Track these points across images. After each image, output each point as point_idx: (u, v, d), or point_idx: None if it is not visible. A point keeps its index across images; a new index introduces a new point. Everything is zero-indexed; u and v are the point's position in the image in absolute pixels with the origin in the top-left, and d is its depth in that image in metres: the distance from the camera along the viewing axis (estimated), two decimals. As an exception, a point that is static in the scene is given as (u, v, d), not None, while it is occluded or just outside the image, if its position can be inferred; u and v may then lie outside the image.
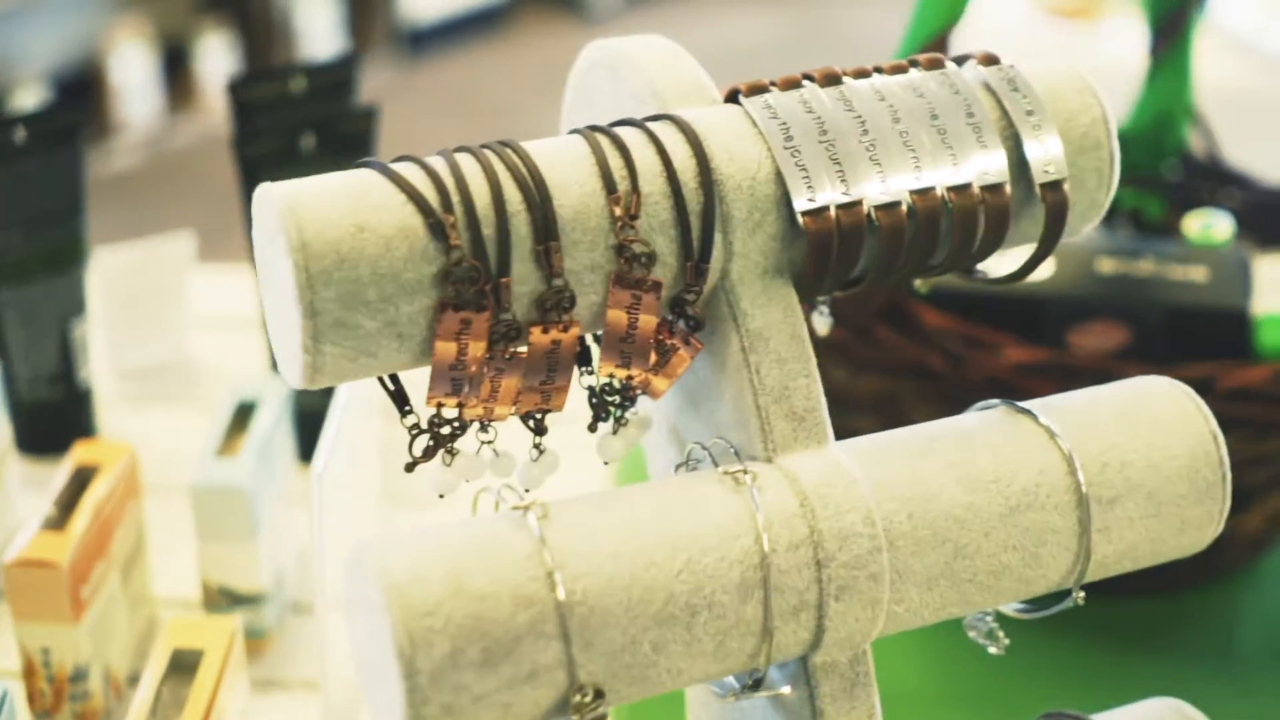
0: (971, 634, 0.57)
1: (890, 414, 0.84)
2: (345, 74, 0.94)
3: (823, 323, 0.61)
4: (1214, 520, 0.56)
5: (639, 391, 0.53)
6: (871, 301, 0.81)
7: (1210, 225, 0.87)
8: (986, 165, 0.54)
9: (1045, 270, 0.83)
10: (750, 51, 2.95)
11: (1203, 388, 0.78)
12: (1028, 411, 0.55)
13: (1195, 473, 0.55)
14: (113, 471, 0.78)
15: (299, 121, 0.89)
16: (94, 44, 2.76)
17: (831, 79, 0.54)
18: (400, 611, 0.46)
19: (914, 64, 0.56)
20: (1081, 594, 0.54)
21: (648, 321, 0.51)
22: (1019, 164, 0.55)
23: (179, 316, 1.04)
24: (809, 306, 0.61)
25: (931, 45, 0.78)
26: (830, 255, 0.52)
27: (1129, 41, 2.00)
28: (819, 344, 0.84)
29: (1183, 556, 0.57)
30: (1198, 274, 0.81)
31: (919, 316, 0.81)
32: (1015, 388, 0.79)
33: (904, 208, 0.53)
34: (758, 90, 0.54)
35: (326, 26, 2.94)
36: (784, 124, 0.53)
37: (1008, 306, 0.82)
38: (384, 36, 3.03)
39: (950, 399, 0.82)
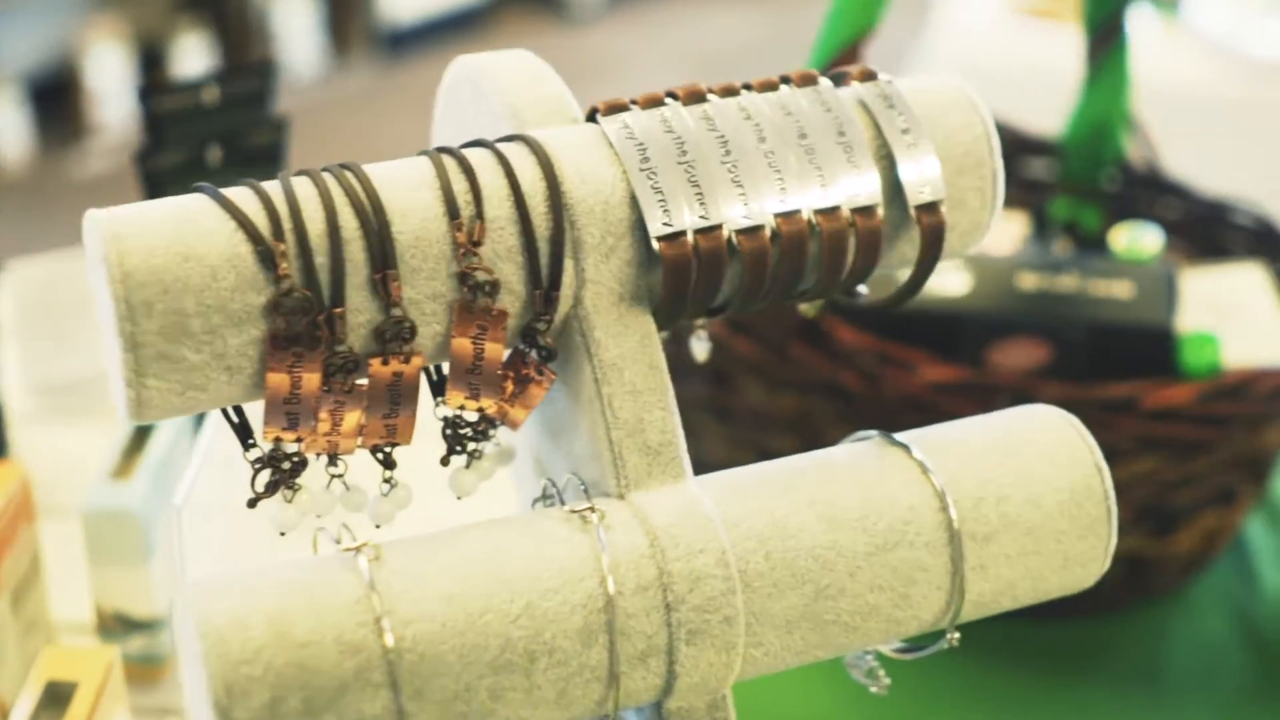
0: (853, 673, 0.55)
1: (807, 433, 0.82)
2: (261, 84, 0.92)
3: (701, 348, 0.58)
4: (1099, 557, 0.53)
5: (498, 422, 0.51)
6: (786, 319, 0.79)
7: (1138, 239, 0.84)
8: (857, 187, 0.51)
9: (964, 286, 0.80)
10: (732, 52, 2.92)
11: (1125, 407, 0.76)
12: (902, 444, 0.52)
13: (1078, 507, 0.52)
14: (2, 494, 0.75)
15: (208, 133, 0.87)
16: (69, 45, 2.74)
17: (696, 97, 0.52)
18: (217, 659, 0.44)
19: (786, 80, 0.54)
20: (956, 635, 0.52)
21: (494, 351, 0.49)
22: (893, 185, 0.52)
23: (97, 330, 1.02)
24: (688, 331, 0.59)
25: (843, 55, 0.75)
26: (689, 282, 0.50)
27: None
28: (736, 361, 0.83)
29: (1068, 594, 0.54)
30: (1122, 290, 0.79)
31: (834, 334, 0.78)
32: (932, 407, 0.77)
33: (767, 232, 0.50)
34: (616, 109, 0.52)
35: (305, 27, 2.91)
36: (641, 145, 0.50)
37: (927, 324, 0.80)
38: (363, 37, 3.01)
39: (866, 419, 0.80)
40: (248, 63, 1.23)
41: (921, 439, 0.53)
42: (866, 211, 0.51)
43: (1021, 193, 0.98)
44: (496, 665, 0.46)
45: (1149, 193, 0.96)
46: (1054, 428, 0.53)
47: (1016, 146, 1.00)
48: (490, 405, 0.50)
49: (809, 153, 0.51)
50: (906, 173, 0.52)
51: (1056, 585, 0.53)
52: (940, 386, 0.76)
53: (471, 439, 0.51)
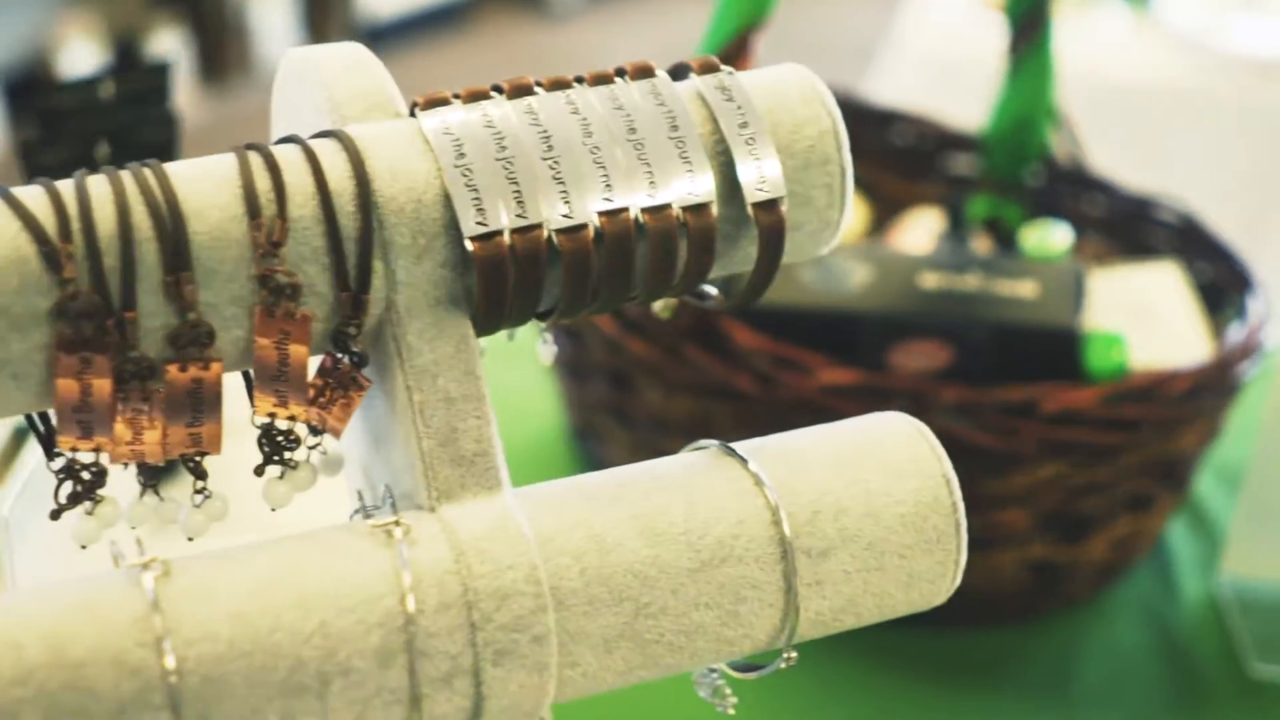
0: (700, 691, 0.53)
1: (704, 437, 0.79)
2: (157, 81, 0.89)
3: (547, 352, 0.56)
4: (948, 573, 0.51)
5: (320, 430, 0.49)
6: (679, 318, 0.76)
7: (1047, 237, 0.82)
8: (690, 184, 0.49)
9: (863, 283, 0.78)
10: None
11: (1026, 411, 0.73)
12: (737, 455, 0.50)
13: (923, 520, 0.50)
14: None
15: (99, 130, 0.85)
16: (43, 41, 2.72)
17: (521, 90, 0.50)
18: (-13, 682, 0.41)
19: (621, 73, 0.51)
20: (794, 654, 0.50)
21: (300, 356, 0.47)
22: (729, 182, 0.50)
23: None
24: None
25: (732, 46, 0.73)
26: (505, 284, 0.47)
27: (1076, 38, 1.95)
28: (634, 363, 0.80)
29: (918, 611, 0.52)
30: (1026, 290, 0.77)
31: (730, 335, 0.76)
32: (827, 410, 0.75)
33: (590, 231, 0.48)
34: (436, 103, 0.49)
35: (282, 21, 2.90)
36: (457, 140, 0.48)
37: (827, 324, 0.78)
38: (342, 32, 2.99)
39: (762, 422, 0.77)
40: (145, 60, 1.21)
41: (760, 449, 0.50)
42: (699, 210, 0.49)
43: (943, 189, 0.96)
44: (287, 688, 0.44)
45: (1073, 189, 0.93)
46: (901, 437, 0.51)
47: (939, 142, 0.98)
48: (300, 412, 0.48)
49: (638, 148, 0.49)
50: (744, 169, 0.50)
51: (903, 602, 0.51)
52: (834, 389, 0.74)
53: (286, 448, 0.49)
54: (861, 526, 0.49)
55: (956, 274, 0.77)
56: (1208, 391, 0.76)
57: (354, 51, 0.52)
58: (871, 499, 0.49)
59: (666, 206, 0.49)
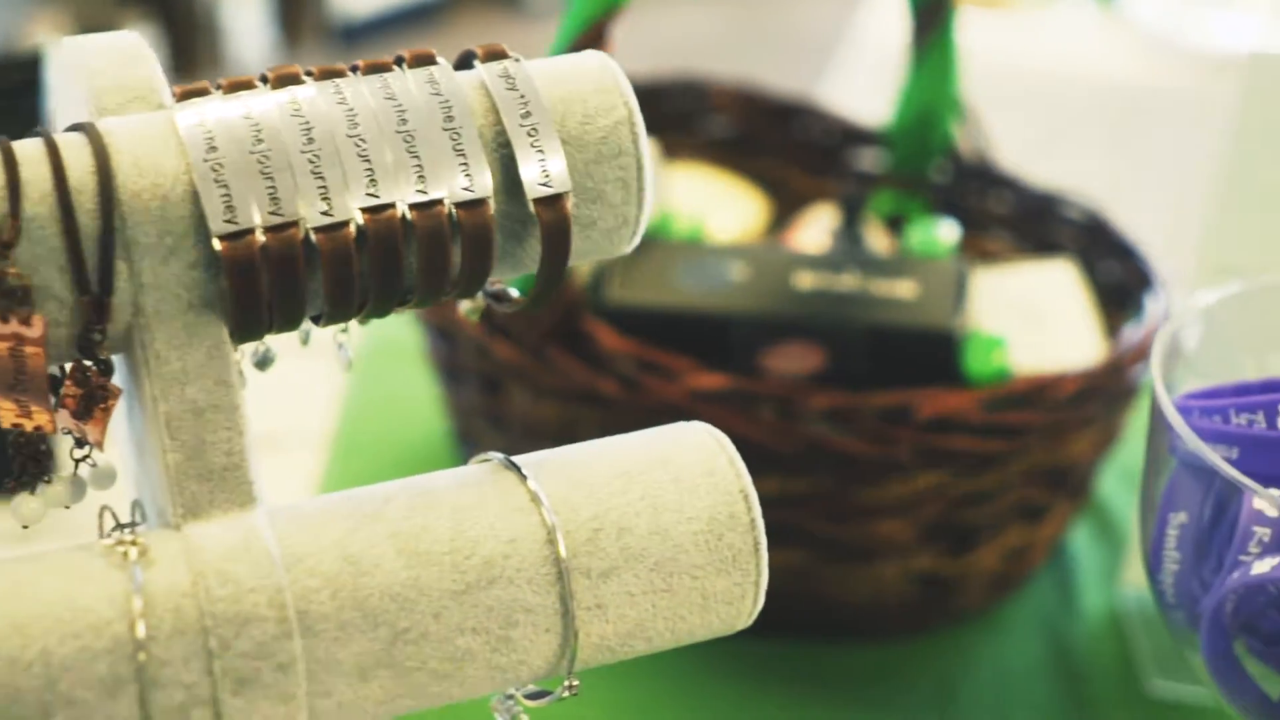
0: (498, 717, 0.50)
1: (571, 444, 0.76)
2: (27, 76, 0.87)
3: (342, 358, 0.53)
4: (747, 595, 0.48)
5: (84, 441, 0.46)
6: (542, 320, 0.73)
7: (932, 233, 0.79)
8: (464, 179, 0.46)
9: (737, 283, 0.75)
10: (693, 47, 2.87)
11: (901, 417, 0.70)
12: (517, 468, 0.47)
13: (718, 539, 0.47)
14: None
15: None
16: (11, 38, 2.70)
17: (287, 80, 0.47)
18: None
19: (400, 61, 0.48)
20: (576, 683, 0.47)
21: (36, 363, 0.44)
22: (511, 176, 0.47)
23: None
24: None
25: (588, 36, 0.70)
26: (258, 286, 0.44)
27: (1049, 32, 1.91)
28: (500, 365, 0.77)
29: (717, 635, 0.49)
30: (905, 289, 0.73)
31: (596, 337, 0.73)
32: (695, 416, 0.71)
33: (352, 229, 0.45)
34: (194, 94, 0.46)
35: (255, 20, 2.87)
36: (210, 133, 0.45)
37: (697, 326, 0.75)
38: (315, 30, 2.96)
39: (628, 429, 0.74)
40: (15, 55, 1.18)
41: (543, 462, 0.47)
42: (473, 207, 0.46)
43: (849, 185, 0.93)
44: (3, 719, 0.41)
45: (979, 185, 0.90)
46: (698, 449, 0.48)
47: (845, 136, 0.95)
48: (45, 421, 0.45)
49: (408, 141, 0.46)
50: (525, 163, 0.47)
51: (700, 626, 0.48)
52: (701, 394, 0.71)
53: (37, 459, 0.46)
54: (648, 545, 0.46)
55: (834, 273, 0.74)
56: (1098, 395, 0.73)
57: (122, 40, 0.49)
58: (660, 515, 0.46)
59: (437, 203, 0.46)
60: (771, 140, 0.95)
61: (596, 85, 0.49)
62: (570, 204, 0.47)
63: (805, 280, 0.74)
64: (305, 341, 0.52)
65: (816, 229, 0.87)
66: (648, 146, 0.49)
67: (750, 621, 0.49)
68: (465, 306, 0.53)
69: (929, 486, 0.73)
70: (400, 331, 0.96)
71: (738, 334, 0.74)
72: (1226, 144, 0.68)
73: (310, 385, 0.95)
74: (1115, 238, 0.85)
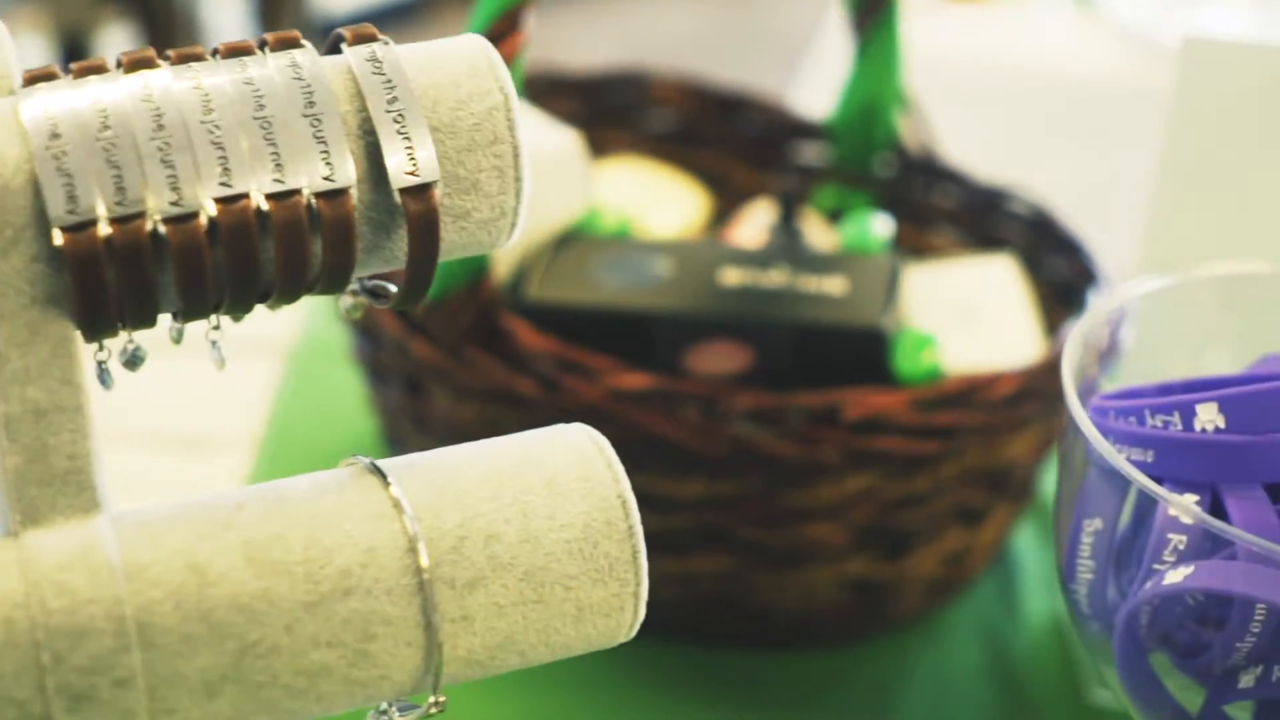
0: (372, 735, 0.47)
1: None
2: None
3: (215, 357, 0.51)
4: (626, 606, 0.46)
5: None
6: (459, 318, 0.71)
7: (865, 228, 0.76)
8: (325, 167, 0.44)
9: (662, 280, 0.73)
10: (672, 43, 2.84)
11: (828, 418, 0.68)
12: (380, 473, 0.44)
13: (593, 547, 0.44)
14: None
15: None
16: (-13, 38, 2.68)
17: (141, 64, 0.44)
18: None
19: (262, 45, 0.46)
20: (442, 698, 0.44)
21: None
22: (377, 165, 0.45)
23: None
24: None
25: (501, 23, 0.68)
26: (102, 280, 0.42)
27: (1024, 28, 1.89)
28: (420, 365, 0.75)
29: (597, 649, 0.46)
30: (834, 286, 0.71)
31: (515, 336, 0.71)
32: (615, 418, 0.69)
33: (203, 221, 0.43)
34: (41, 79, 0.44)
35: (234, 18, 2.85)
36: (54, 119, 0.43)
37: (619, 325, 0.72)
38: (295, 28, 2.94)
39: (551, 430, 0.72)
40: None
41: (410, 465, 0.45)
42: (333, 197, 0.43)
43: (793, 179, 0.90)
44: None
45: (924, 179, 0.88)
46: (574, 453, 0.45)
47: (791, 130, 0.92)
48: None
49: (265, 127, 0.44)
50: (390, 151, 0.44)
51: (576, 639, 0.45)
52: (622, 395, 0.69)
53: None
54: (517, 554, 0.44)
55: (761, 270, 0.71)
56: (1036, 395, 0.71)
57: None
58: (531, 523, 0.44)
59: (295, 193, 0.43)
60: (715, 134, 0.93)
61: (470, 70, 0.47)
62: (439, 194, 0.45)
63: (731, 277, 0.72)
64: (178, 340, 0.49)
65: (755, 225, 0.84)
66: (523, 134, 0.47)
67: (632, 634, 0.47)
68: (346, 303, 0.51)
69: (860, 489, 0.70)
70: (332, 331, 0.94)
71: (661, 333, 0.71)
72: (1163, 134, 0.65)
73: (241, 386, 0.92)
74: (1061, 234, 0.82)
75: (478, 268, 0.69)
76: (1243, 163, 0.64)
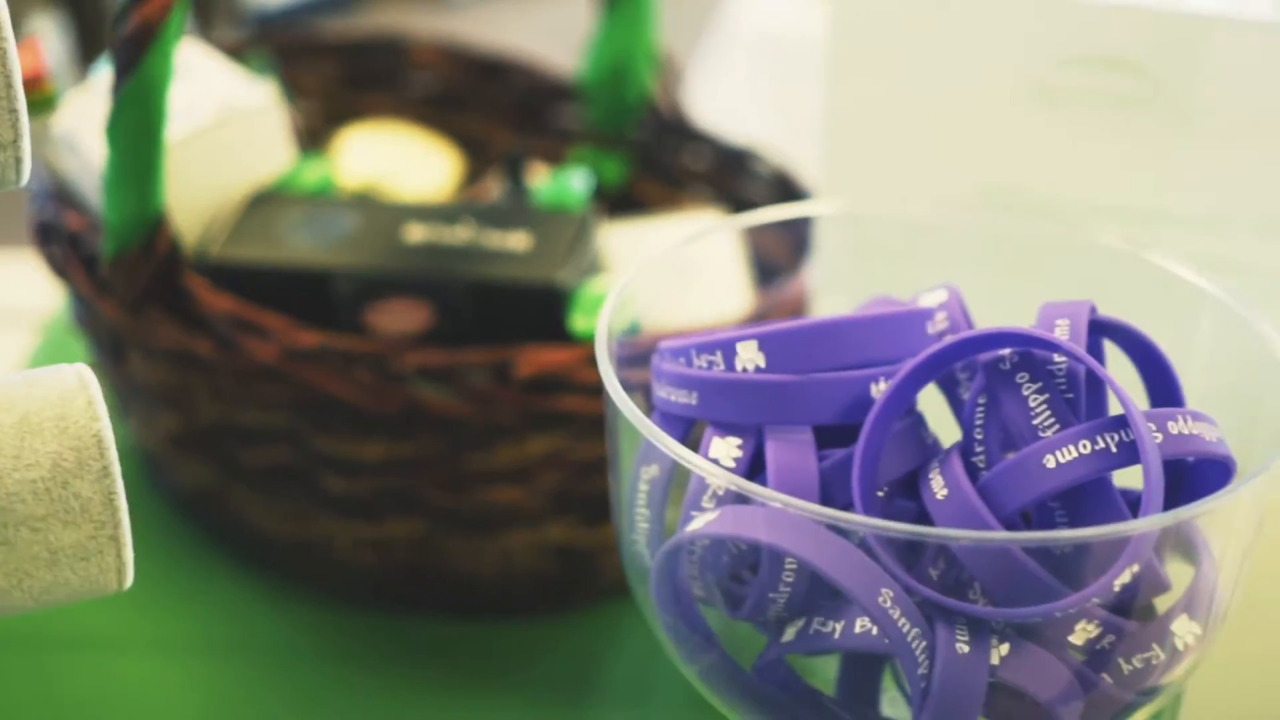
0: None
1: (187, 409, 0.72)
2: None
3: None
4: (106, 550, 0.43)
5: None
6: (139, 277, 0.69)
7: (566, 185, 0.74)
8: None
9: (346, 237, 0.70)
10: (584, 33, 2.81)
11: (501, 376, 0.66)
12: None
13: (62, 487, 0.42)
14: None
15: None
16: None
17: None
18: None
19: None
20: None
21: None
22: None
23: None
24: None
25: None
26: None
27: None
28: (108, 325, 0.73)
29: (89, 596, 0.44)
30: (517, 242, 0.69)
31: (196, 296, 0.69)
32: (290, 378, 0.67)
33: None
34: None
35: (165, 10, 2.83)
36: None
37: (300, 283, 0.70)
38: (228, 21, 2.92)
39: (230, 393, 0.70)
40: None
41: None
42: None
43: (552, 142, 0.89)
44: None
45: (676, 140, 0.86)
46: (56, 389, 0.43)
47: (551, 93, 0.90)
48: None
49: None
50: None
51: (56, 584, 0.43)
52: (295, 354, 0.67)
53: None
54: (-24, 493, 0.42)
55: (446, 226, 0.69)
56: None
57: None
58: (-6, 460, 0.42)
59: None
60: (475, 98, 0.91)
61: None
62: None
63: (416, 234, 0.70)
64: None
65: (492, 186, 0.83)
66: (16, 62, 0.45)
67: (124, 583, 0.44)
68: None
69: (545, 452, 0.68)
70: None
71: (341, 291, 0.69)
72: (825, 73, 0.63)
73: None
74: (800, 192, 0.80)
75: (149, 224, 0.67)
76: (898, 101, 0.62)
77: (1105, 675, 0.44)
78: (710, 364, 0.47)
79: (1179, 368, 0.48)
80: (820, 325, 0.46)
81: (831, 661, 0.50)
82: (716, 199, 0.85)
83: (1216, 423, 0.45)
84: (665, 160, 0.86)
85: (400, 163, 0.87)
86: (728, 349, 0.46)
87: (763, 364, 0.46)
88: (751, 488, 0.43)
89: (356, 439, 0.69)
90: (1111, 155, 0.61)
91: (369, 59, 0.91)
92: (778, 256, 0.76)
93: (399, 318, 0.69)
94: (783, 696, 0.47)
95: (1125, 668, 0.45)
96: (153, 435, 0.76)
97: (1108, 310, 0.48)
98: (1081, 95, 0.60)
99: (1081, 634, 0.44)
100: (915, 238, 0.58)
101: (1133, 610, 0.45)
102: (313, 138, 0.88)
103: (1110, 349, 0.49)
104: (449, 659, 0.72)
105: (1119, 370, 0.48)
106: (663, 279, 0.71)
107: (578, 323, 0.68)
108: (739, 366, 0.46)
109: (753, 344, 0.46)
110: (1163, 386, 0.47)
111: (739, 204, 0.84)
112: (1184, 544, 0.46)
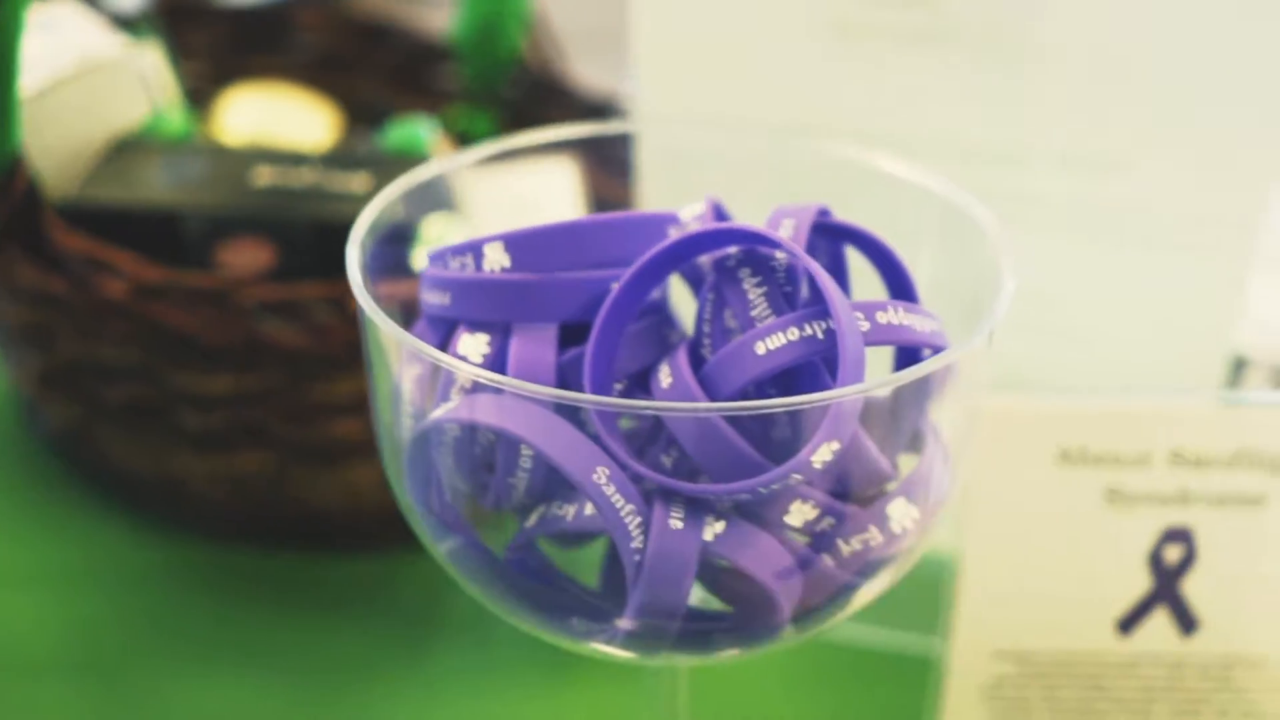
0: None
1: (47, 348, 0.75)
2: None
3: None
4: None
5: None
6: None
7: (414, 133, 0.77)
8: None
9: (196, 179, 0.73)
10: (579, 32, 2.84)
11: (338, 310, 0.69)
12: None
13: None
14: None
15: None
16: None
17: None
18: None
19: None
20: None
21: None
22: None
23: None
24: None
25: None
26: None
27: None
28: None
29: None
30: (358, 184, 0.71)
31: (52, 235, 0.71)
32: (140, 316, 0.70)
33: None
34: None
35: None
36: None
37: (152, 223, 0.73)
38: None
39: (87, 329, 0.73)
40: None
41: None
42: None
43: (432, 102, 0.91)
44: None
45: (545, 97, 0.88)
46: None
47: (430, 54, 0.93)
48: None
49: None
50: None
51: None
52: (143, 289, 0.69)
53: None
54: None
55: (292, 168, 0.72)
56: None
57: None
58: None
59: None
60: (358, 60, 0.94)
61: None
62: None
63: (263, 176, 0.72)
64: None
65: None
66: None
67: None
68: None
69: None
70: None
71: (191, 231, 0.72)
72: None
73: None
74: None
75: (5, 164, 0.70)
76: (705, 38, 0.64)
77: (825, 556, 0.47)
78: (463, 265, 0.49)
79: (915, 268, 0.50)
80: (563, 226, 0.48)
81: (597, 552, 0.52)
82: (581, 154, 0.87)
83: (937, 317, 0.47)
84: (534, 116, 0.88)
85: (280, 122, 0.90)
86: (476, 250, 0.49)
87: (509, 264, 0.48)
88: (487, 375, 0.45)
89: (206, 373, 0.71)
90: (909, 89, 0.63)
91: (256, 23, 0.94)
92: (618, 198, 0.79)
93: (246, 256, 0.71)
94: (534, 584, 0.49)
95: (845, 549, 0.47)
96: (25, 376, 0.79)
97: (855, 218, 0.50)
98: (878, 30, 0.63)
99: (798, 515, 0.46)
100: (707, 161, 0.60)
101: (851, 495, 0.47)
102: (200, 98, 0.91)
103: (857, 256, 0.51)
104: (301, 590, 0.75)
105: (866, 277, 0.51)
106: (501, 215, 0.74)
107: (418, 260, 0.70)
108: (486, 268, 0.48)
109: (499, 245, 0.48)
110: (898, 286, 0.50)
111: (601, 156, 0.86)
112: (908, 436, 0.48)
